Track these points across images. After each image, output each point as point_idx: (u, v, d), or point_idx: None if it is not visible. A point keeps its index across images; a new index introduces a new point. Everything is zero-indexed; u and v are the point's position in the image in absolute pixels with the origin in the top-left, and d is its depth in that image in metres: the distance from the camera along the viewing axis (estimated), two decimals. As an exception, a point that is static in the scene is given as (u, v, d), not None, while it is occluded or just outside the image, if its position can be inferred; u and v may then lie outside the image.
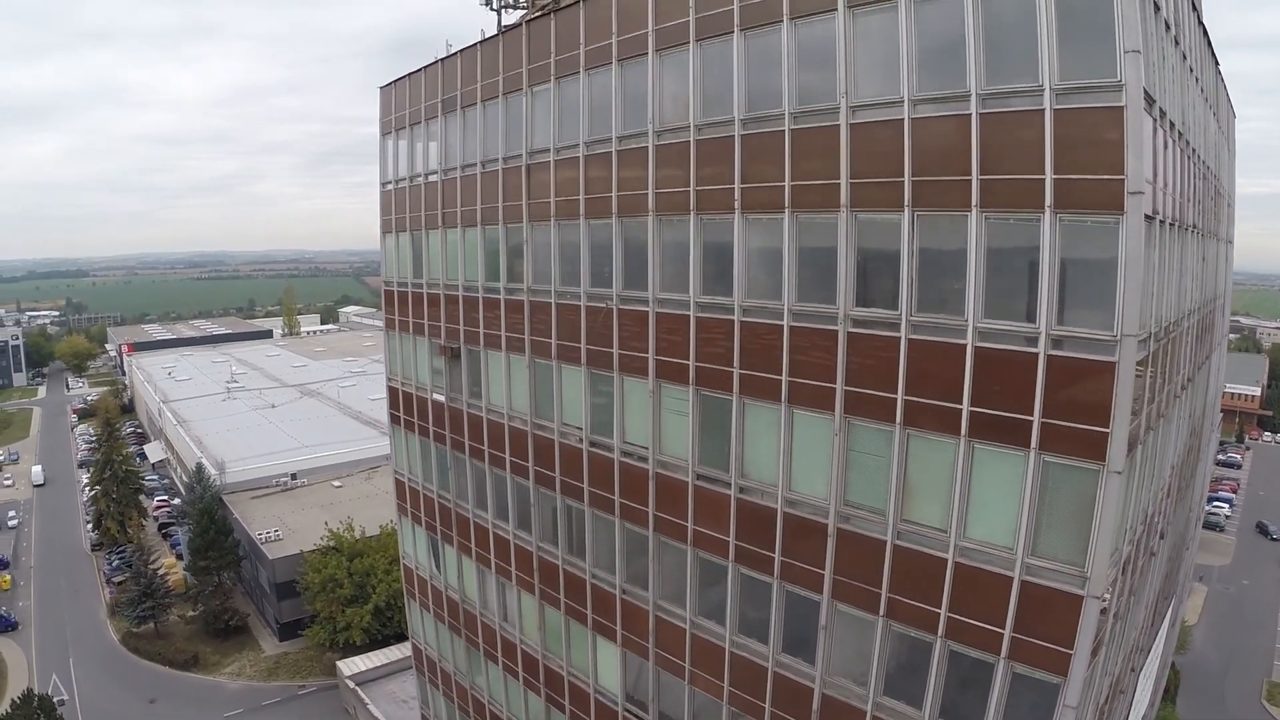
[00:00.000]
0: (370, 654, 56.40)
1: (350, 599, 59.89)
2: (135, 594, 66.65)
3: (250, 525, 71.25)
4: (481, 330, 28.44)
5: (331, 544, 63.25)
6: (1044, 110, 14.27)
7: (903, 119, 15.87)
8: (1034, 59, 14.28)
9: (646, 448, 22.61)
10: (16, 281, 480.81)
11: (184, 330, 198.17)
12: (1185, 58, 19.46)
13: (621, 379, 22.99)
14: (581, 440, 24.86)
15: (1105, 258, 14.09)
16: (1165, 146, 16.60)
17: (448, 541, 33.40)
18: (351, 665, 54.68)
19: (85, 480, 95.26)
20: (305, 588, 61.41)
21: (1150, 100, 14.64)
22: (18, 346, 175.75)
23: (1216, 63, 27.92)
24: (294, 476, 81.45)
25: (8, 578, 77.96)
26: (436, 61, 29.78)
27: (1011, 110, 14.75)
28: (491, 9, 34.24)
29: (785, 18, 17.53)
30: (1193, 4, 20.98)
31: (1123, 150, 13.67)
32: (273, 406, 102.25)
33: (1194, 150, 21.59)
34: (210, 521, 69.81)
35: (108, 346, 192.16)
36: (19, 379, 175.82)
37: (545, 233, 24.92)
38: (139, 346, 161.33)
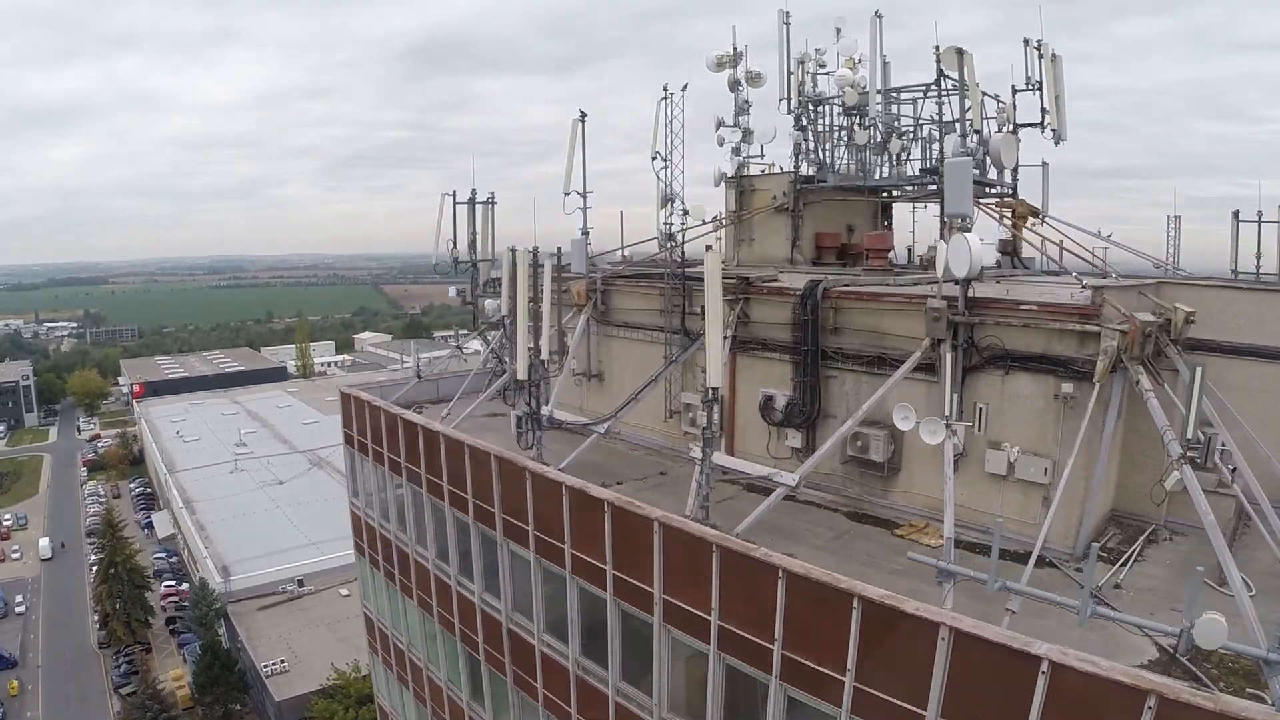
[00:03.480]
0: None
1: (357, 747, 58.54)
2: (143, 725, 65.70)
3: (256, 649, 69.91)
4: (469, 751, 24.38)
5: (338, 683, 61.69)
6: None
7: None
8: None
9: None
10: (37, 289, 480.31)
11: (196, 365, 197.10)
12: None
13: None
14: None
15: None
16: None
17: None
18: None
19: (93, 560, 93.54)
20: (311, 732, 60.34)
21: None
22: (29, 386, 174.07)
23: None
24: (300, 583, 79.36)
25: (15, 683, 76.51)
26: (396, 415, 24.53)
27: None
28: (464, 303, 29.52)
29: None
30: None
31: None
32: (280, 483, 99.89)
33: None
34: (214, 657, 68.68)
35: (120, 381, 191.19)
36: (30, 419, 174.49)
37: (534, 717, 20.62)
38: (150, 387, 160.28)
